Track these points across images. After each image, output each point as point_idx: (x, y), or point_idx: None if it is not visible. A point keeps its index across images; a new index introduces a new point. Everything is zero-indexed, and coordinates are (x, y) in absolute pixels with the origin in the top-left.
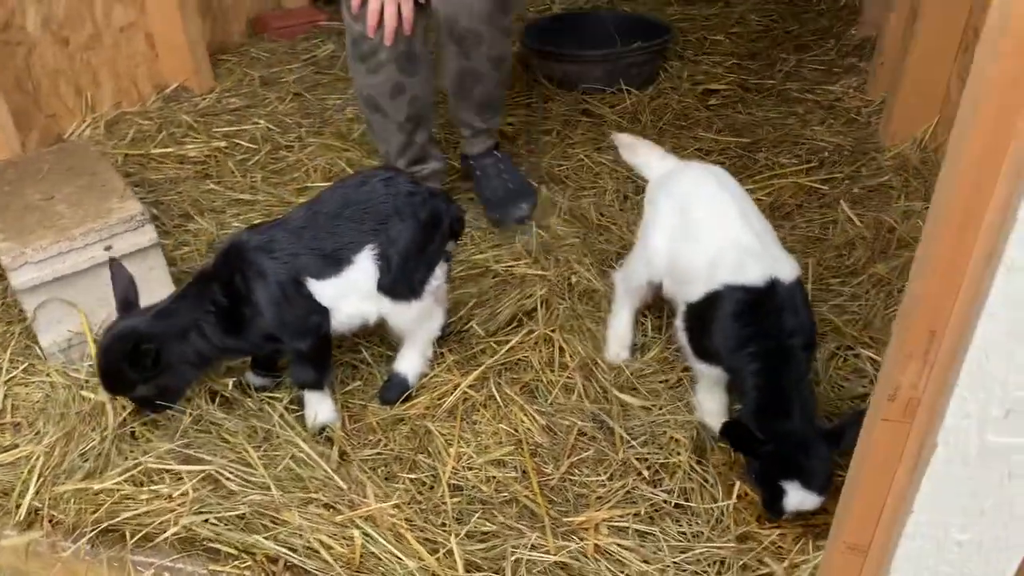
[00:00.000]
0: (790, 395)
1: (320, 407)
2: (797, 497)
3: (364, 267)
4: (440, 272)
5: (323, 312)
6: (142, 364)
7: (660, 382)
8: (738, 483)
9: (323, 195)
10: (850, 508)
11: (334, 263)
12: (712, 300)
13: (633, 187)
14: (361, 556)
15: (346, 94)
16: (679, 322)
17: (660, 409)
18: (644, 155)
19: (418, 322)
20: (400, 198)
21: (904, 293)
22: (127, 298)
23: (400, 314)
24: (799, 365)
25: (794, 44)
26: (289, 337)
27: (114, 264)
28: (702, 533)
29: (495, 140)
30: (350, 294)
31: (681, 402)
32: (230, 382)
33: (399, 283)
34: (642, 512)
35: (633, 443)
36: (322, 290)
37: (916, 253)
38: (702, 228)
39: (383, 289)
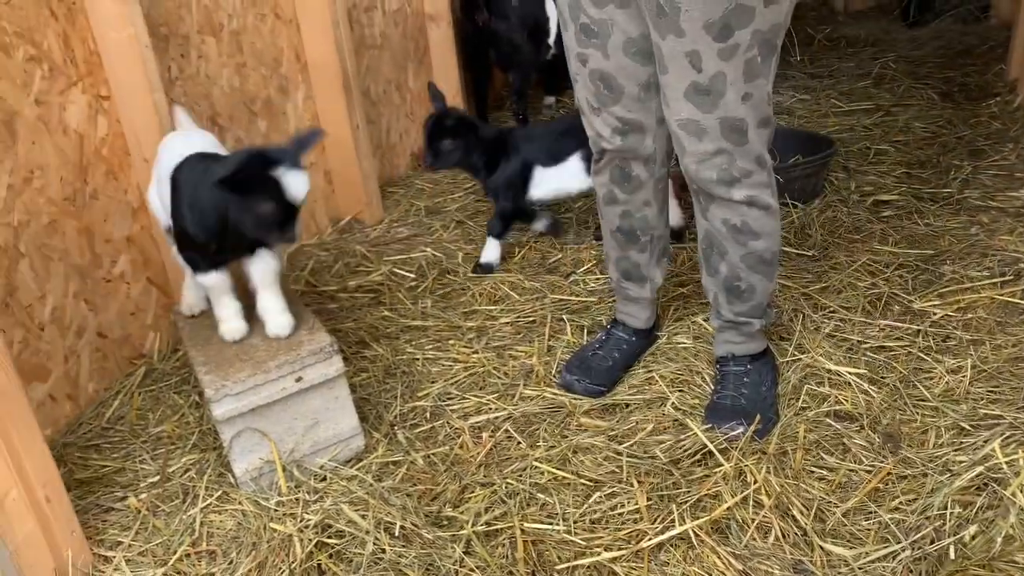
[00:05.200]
0: None
1: (489, 251)
2: None
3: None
4: None
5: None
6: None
7: (866, 522)
8: None
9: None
10: None
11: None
12: None
13: (810, 304)
14: None
15: None
16: None
17: (869, 555)
18: None
19: None
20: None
21: None
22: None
23: None
24: None
25: (967, 150)
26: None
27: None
28: None
29: (750, 347)
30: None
31: (890, 544)
32: (399, 521)
33: None
34: None
35: None
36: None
37: None
38: None
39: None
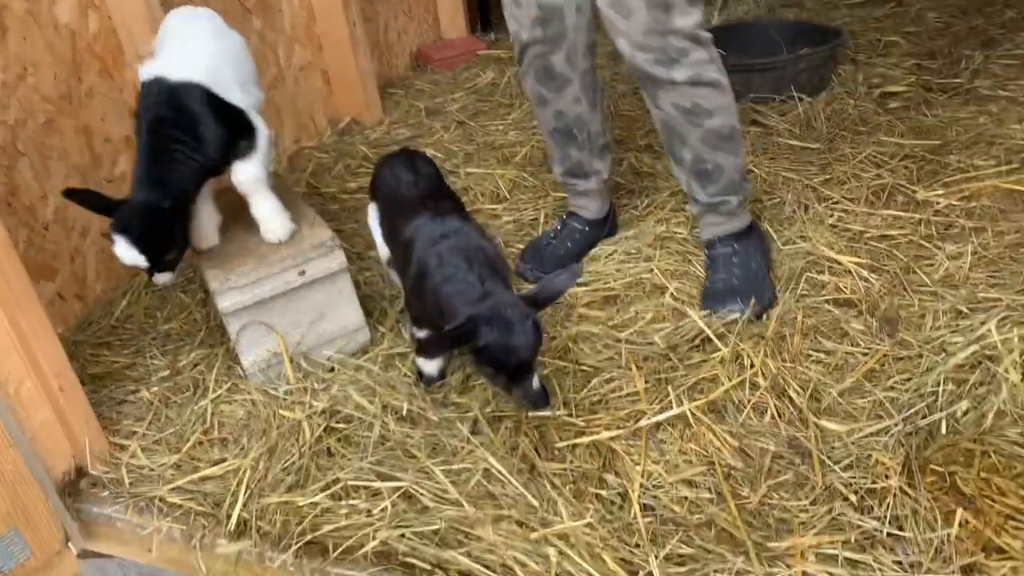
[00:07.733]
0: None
1: None
2: None
3: None
4: None
5: None
6: None
7: (861, 400)
8: (959, 510)
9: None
10: None
11: None
12: None
13: (814, 196)
14: (556, 575)
15: (507, 120)
16: None
17: (862, 430)
18: None
19: None
20: None
21: None
22: None
23: None
24: None
25: (980, 40)
26: None
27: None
28: (920, 564)
29: (733, 225)
30: None
31: (883, 420)
32: (406, 404)
33: None
34: (852, 540)
35: (835, 467)
36: None
37: None
38: None
39: None
